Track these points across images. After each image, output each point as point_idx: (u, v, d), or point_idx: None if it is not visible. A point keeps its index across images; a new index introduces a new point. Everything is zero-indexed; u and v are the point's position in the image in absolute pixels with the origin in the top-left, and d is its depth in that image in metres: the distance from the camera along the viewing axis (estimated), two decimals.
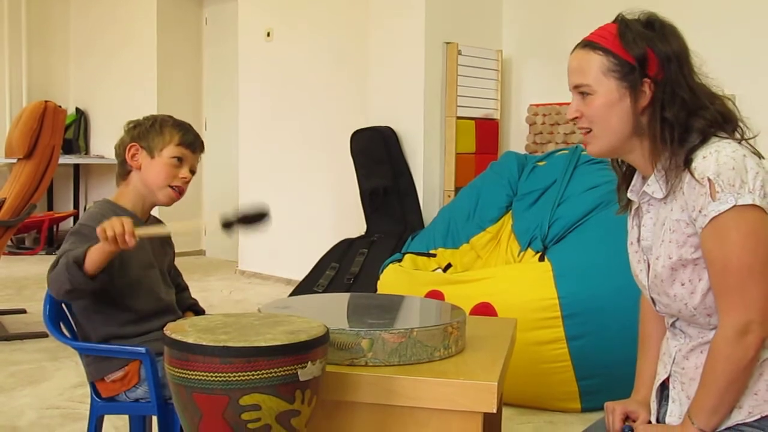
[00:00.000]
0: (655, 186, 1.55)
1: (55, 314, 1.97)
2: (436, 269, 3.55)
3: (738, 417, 1.47)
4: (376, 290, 3.59)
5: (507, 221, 3.70)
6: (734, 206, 1.40)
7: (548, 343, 2.97)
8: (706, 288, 1.48)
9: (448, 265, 3.57)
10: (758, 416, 1.46)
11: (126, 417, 2.25)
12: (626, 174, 1.65)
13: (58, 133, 4.31)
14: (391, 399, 1.57)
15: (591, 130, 1.57)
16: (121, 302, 1.95)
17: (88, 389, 2.03)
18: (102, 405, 1.98)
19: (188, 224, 1.93)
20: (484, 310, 3.03)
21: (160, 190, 2.04)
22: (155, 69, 7.38)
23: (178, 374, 1.38)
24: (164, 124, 2.07)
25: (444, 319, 1.76)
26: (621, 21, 1.56)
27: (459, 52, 4.62)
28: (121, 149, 2.07)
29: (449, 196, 4.57)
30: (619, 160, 1.66)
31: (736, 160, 1.43)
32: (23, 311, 4.78)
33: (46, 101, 4.31)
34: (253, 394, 1.35)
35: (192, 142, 2.08)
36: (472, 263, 3.62)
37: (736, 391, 1.45)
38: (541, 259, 3.20)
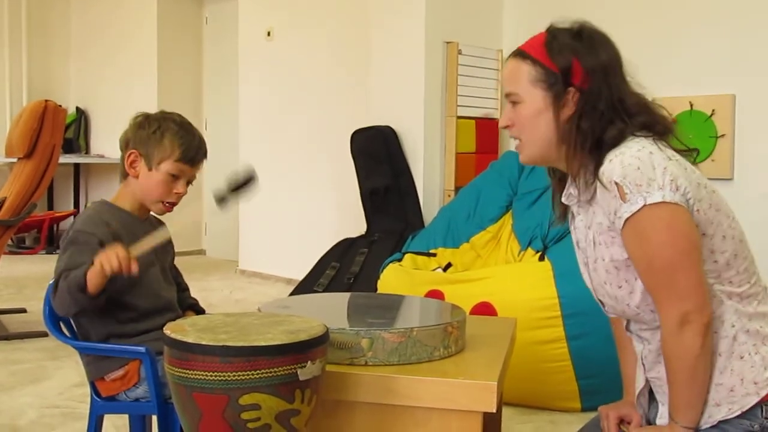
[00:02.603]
0: (581, 188, 1.57)
1: (55, 313, 1.97)
2: (436, 269, 3.55)
3: (719, 415, 1.48)
4: (376, 290, 3.59)
5: (507, 221, 3.70)
6: (644, 206, 1.41)
7: (548, 342, 2.97)
8: (643, 286, 1.50)
9: (448, 265, 3.57)
10: (739, 411, 1.47)
11: (126, 416, 2.25)
12: (560, 181, 1.66)
13: (58, 132, 4.31)
14: (391, 398, 1.57)
15: (520, 138, 1.60)
16: (121, 300, 1.95)
17: (88, 389, 2.03)
18: (102, 404, 1.98)
19: (184, 219, 1.93)
20: (484, 309, 3.03)
21: (153, 204, 2.04)
22: (155, 68, 7.38)
23: (177, 374, 1.38)
24: (166, 131, 2.01)
25: (444, 319, 1.76)
26: (550, 31, 1.58)
27: (459, 52, 4.62)
28: (122, 148, 2.06)
29: (449, 196, 4.57)
30: (551, 168, 1.67)
31: (641, 159, 1.43)
32: (23, 310, 4.79)
33: (46, 100, 4.31)
34: (253, 394, 1.35)
35: (192, 157, 2.03)
36: (472, 263, 3.62)
37: (700, 381, 1.46)
38: (542, 258, 3.20)
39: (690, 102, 3.94)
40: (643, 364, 1.61)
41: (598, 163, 1.49)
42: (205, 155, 2.09)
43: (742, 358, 1.48)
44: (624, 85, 1.56)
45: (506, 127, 1.61)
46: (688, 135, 4.17)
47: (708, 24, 3.95)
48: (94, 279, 1.77)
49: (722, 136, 3.85)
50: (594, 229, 1.55)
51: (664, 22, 4.09)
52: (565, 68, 1.52)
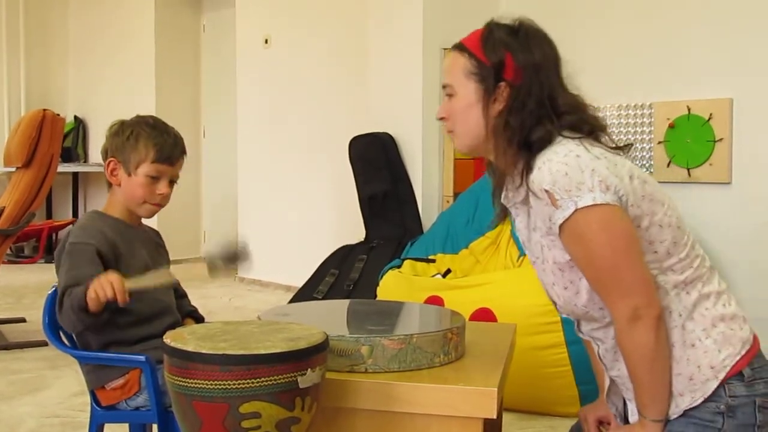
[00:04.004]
0: (512, 189, 1.58)
1: (54, 323, 1.97)
2: (435, 275, 3.55)
3: (684, 404, 1.49)
4: (375, 296, 3.59)
5: (506, 226, 3.70)
6: (576, 210, 1.43)
7: (548, 347, 2.97)
8: (589, 285, 1.51)
9: (448, 271, 3.57)
10: (701, 398, 1.48)
11: (126, 425, 2.24)
12: (498, 180, 1.66)
13: (56, 141, 4.31)
14: (391, 405, 1.57)
15: (453, 130, 1.62)
16: (119, 306, 1.95)
17: (88, 398, 2.03)
18: (102, 413, 1.98)
19: (166, 276, 1.92)
20: (484, 315, 3.03)
21: (138, 207, 2.05)
22: (153, 76, 7.39)
23: (177, 382, 1.38)
24: (140, 135, 2.01)
25: (444, 325, 1.76)
26: (487, 26, 1.61)
27: None
28: (103, 158, 2.08)
29: (448, 202, 4.57)
30: (492, 165, 1.67)
31: (568, 165, 1.44)
32: (23, 320, 4.78)
33: (44, 110, 4.31)
34: (253, 402, 1.35)
35: (168, 156, 2.02)
36: (472, 268, 3.62)
37: (661, 374, 1.47)
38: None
39: (688, 106, 3.94)
40: (604, 364, 1.62)
41: (527, 165, 1.50)
42: (183, 152, 2.08)
43: (694, 345, 1.50)
44: (557, 84, 1.56)
45: (441, 119, 1.63)
46: (686, 139, 4.20)
47: (706, 28, 3.96)
48: (92, 303, 1.78)
49: (720, 140, 3.85)
50: (537, 232, 1.57)
51: (662, 25, 4.10)
52: (498, 63, 1.54)
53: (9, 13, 7.99)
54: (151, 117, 2.10)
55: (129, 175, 2.02)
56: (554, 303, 1.65)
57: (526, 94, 1.52)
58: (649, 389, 1.47)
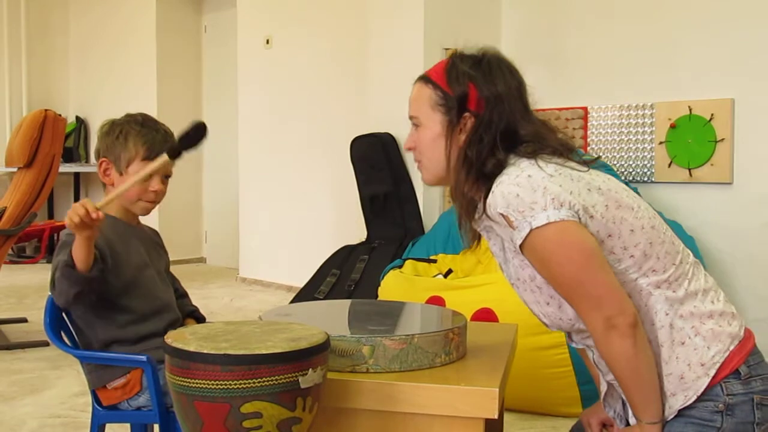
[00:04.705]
0: (480, 218, 1.59)
1: (55, 323, 1.97)
2: (436, 275, 3.54)
3: (677, 404, 1.49)
4: (376, 297, 3.59)
5: None
6: (531, 230, 1.44)
7: (549, 348, 2.97)
8: None
9: (449, 271, 3.57)
10: (694, 397, 1.48)
11: (128, 425, 2.25)
12: (464, 208, 1.64)
13: (58, 141, 4.32)
14: (393, 405, 1.57)
15: (421, 161, 1.64)
16: (118, 303, 1.95)
17: (89, 398, 2.03)
18: (103, 413, 1.98)
19: (148, 168, 1.89)
20: (485, 315, 3.03)
21: (133, 205, 2.05)
22: (155, 77, 7.39)
23: (179, 382, 1.38)
24: (129, 133, 2.01)
25: (445, 325, 1.76)
26: (451, 57, 1.62)
27: None
28: (96, 159, 2.08)
29: (449, 202, 4.57)
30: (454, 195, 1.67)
31: (520, 185, 1.45)
32: (24, 320, 4.78)
33: (45, 110, 4.31)
34: (255, 402, 1.35)
35: (159, 153, 1.99)
36: (473, 269, 3.62)
37: (647, 378, 1.47)
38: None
39: (689, 106, 3.94)
40: (600, 369, 1.63)
41: (483, 193, 1.52)
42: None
43: (683, 343, 1.49)
44: (519, 114, 1.57)
45: (409, 149, 1.65)
46: (687, 139, 4.20)
47: (707, 28, 3.96)
48: (77, 251, 1.75)
49: (721, 140, 3.85)
50: (508, 253, 1.58)
51: (663, 26, 4.10)
52: (462, 94, 1.55)
53: (10, 13, 7.99)
54: (141, 114, 2.09)
55: (120, 174, 2.02)
56: (542, 322, 1.65)
57: (486, 126, 1.53)
58: (637, 394, 1.47)
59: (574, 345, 1.68)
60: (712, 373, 1.48)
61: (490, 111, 1.54)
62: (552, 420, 3.05)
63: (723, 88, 3.89)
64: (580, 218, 1.44)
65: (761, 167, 3.82)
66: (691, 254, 1.59)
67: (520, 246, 1.47)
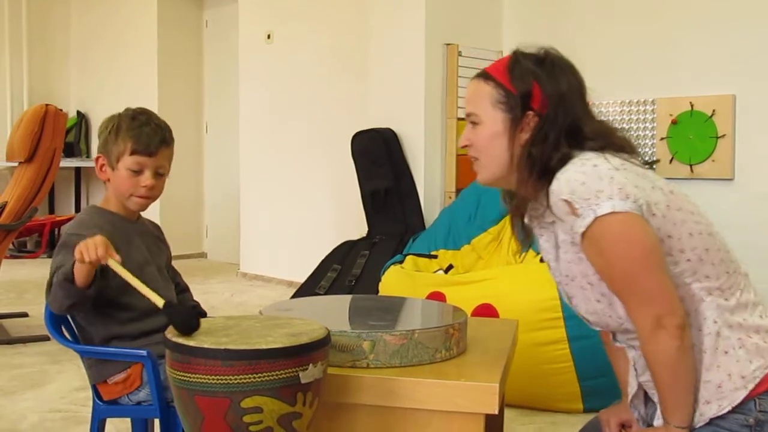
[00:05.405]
0: (539, 212, 1.58)
1: (56, 317, 1.97)
2: (437, 270, 3.55)
3: (710, 412, 1.48)
4: (377, 292, 3.59)
5: (508, 222, 3.70)
6: (596, 218, 1.42)
7: (550, 343, 2.97)
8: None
9: (450, 267, 3.57)
10: (729, 407, 1.47)
11: (128, 420, 2.25)
12: (517, 207, 1.65)
13: (59, 136, 4.31)
14: (393, 401, 1.57)
15: (478, 159, 1.61)
16: (119, 301, 1.95)
17: (90, 392, 2.03)
18: (104, 408, 1.98)
19: (155, 296, 1.80)
20: (486, 311, 3.03)
21: (127, 200, 2.02)
22: (156, 72, 7.39)
23: (179, 377, 1.39)
24: (120, 128, 1.99)
25: (445, 321, 1.76)
26: (513, 54, 1.59)
27: (459, 53, 4.62)
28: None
29: (450, 198, 4.57)
30: (510, 194, 1.67)
31: (585, 174, 1.45)
32: (25, 315, 4.79)
33: (47, 105, 4.31)
34: (255, 397, 1.35)
35: (146, 147, 1.97)
36: (474, 264, 3.62)
37: (684, 381, 1.46)
38: (543, 260, 3.19)
39: (690, 102, 3.94)
40: (636, 369, 1.62)
41: (546, 188, 1.50)
42: (163, 143, 2.01)
43: (727, 353, 1.49)
44: (583, 112, 1.56)
45: (464, 146, 1.63)
46: (689, 135, 4.20)
47: (709, 25, 3.95)
48: (78, 273, 1.75)
49: (723, 136, 3.85)
50: (563, 248, 1.57)
51: (665, 22, 4.09)
52: (525, 92, 1.54)
53: (12, 8, 7.99)
54: (137, 109, 2.05)
55: (113, 169, 2.00)
56: (586, 320, 1.64)
57: (551, 124, 1.52)
58: (672, 396, 1.47)
59: (617, 344, 1.66)
60: (751, 387, 1.47)
61: (554, 109, 1.52)
62: (552, 416, 3.05)
63: (725, 85, 3.88)
64: (643, 213, 1.43)
65: (762, 163, 3.81)
66: (742, 266, 1.58)
67: (582, 234, 1.45)
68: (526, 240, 1.69)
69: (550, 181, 1.49)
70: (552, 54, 1.59)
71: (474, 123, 1.60)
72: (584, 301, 1.58)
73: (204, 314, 2.21)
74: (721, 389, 1.48)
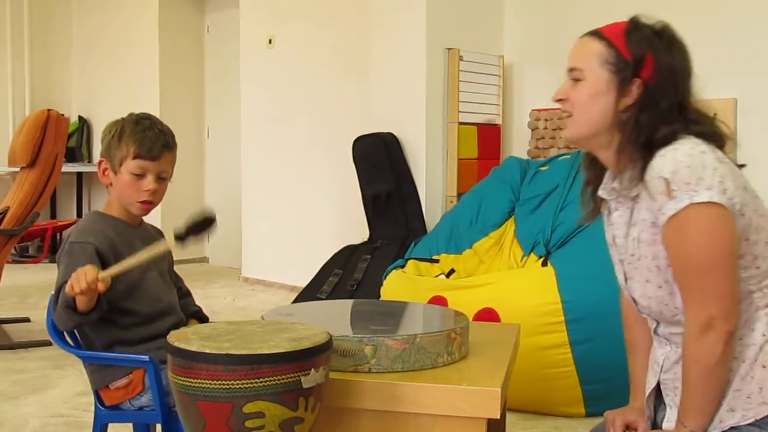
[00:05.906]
0: (625, 183, 1.56)
1: None
2: (439, 275, 3.54)
3: (731, 420, 1.48)
4: (379, 296, 3.58)
5: (510, 226, 3.70)
6: (690, 204, 1.41)
7: (552, 348, 2.97)
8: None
9: (451, 271, 3.57)
10: (752, 419, 1.47)
11: (130, 425, 2.25)
12: (597, 175, 1.64)
13: (60, 141, 4.32)
14: (395, 405, 1.57)
15: (572, 115, 1.58)
16: (122, 306, 1.95)
17: (92, 397, 2.03)
18: (106, 413, 1.98)
19: (154, 248, 1.86)
20: (488, 315, 3.03)
21: (129, 206, 2.03)
22: (157, 77, 7.39)
23: (181, 382, 1.39)
24: (123, 132, 1.99)
25: (447, 325, 1.76)
26: (632, 21, 1.57)
27: (460, 58, 4.62)
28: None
29: (452, 202, 4.57)
30: (589, 160, 1.66)
31: (693, 157, 1.43)
32: (27, 320, 4.79)
33: (48, 110, 4.32)
34: (257, 402, 1.35)
35: (149, 151, 1.97)
36: (475, 269, 3.62)
37: (715, 388, 1.45)
38: (544, 263, 3.20)
39: None
40: (661, 365, 1.60)
41: (645, 162, 1.48)
42: (165, 147, 2.01)
43: (764, 367, 1.48)
44: (688, 93, 1.55)
45: (559, 100, 1.60)
46: None
47: (710, 27, 3.95)
48: (78, 300, 1.78)
49: None
50: (639, 226, 1.54)
51: None
52: (639, 58, 1.52)
53: (13, 13, 8.00)
54: (141, 114, 2.05)
55: (116, 174, 2.00)
56: (635, 301, 1.62)
57: (660, 95, 1.50)
58: (698, 400, 1.46)
59: (655, 337, 1.63)
60: None
61: (664, 81, 1.51)
62: (554, 420, 3.05)
63: (726, 88, 3.88)
64: (735, 212, 1.43)
65: (764, 167, 3.81)
66: None
67: (670, 216, 1.43)
68: (593, 212, 1.68)
69: (651, 154, 1.47)
70: (670, 29, 1.57)
71: (576, 79, 1.57)
72: (643, 284, 1.56)
73: (206, 319, 2.22)
74: (750, 400, 1.47)
